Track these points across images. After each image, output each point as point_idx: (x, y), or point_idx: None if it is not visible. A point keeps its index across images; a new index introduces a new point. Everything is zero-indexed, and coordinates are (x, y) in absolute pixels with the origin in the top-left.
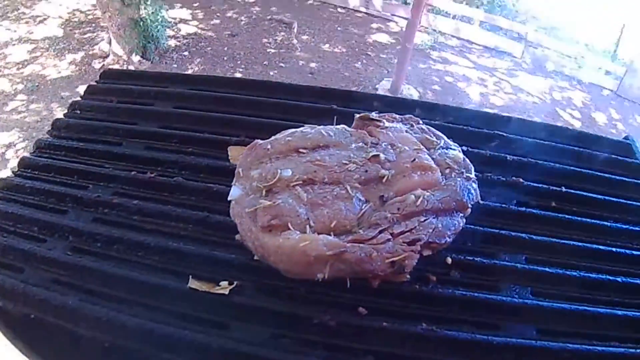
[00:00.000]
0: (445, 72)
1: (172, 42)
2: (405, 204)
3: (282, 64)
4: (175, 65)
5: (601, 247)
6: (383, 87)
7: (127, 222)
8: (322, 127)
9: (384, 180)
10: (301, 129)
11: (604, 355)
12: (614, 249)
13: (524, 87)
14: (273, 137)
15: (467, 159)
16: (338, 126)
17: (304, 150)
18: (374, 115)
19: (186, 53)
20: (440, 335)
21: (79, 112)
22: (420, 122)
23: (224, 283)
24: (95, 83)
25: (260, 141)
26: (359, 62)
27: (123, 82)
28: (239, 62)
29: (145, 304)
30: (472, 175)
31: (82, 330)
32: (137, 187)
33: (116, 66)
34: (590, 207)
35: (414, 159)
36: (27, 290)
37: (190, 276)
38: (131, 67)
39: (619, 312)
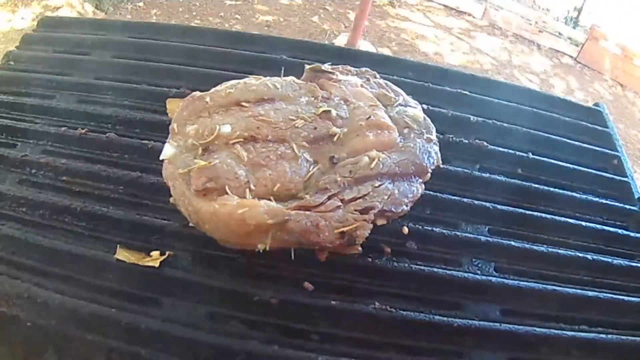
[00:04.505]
0: (403, 30)
1: None
2: (358, 167)
3: (238, 16)
4: (130, 17)
5: (570, 220)
6: (339, 43)
7: (55, 184)
8: (267, 78)
9: (334, 139)
10: (244, 80)
11: (572, 340)
12: (583, 223)
13: (483, 49)
14: (213, 89)
15: (427, 119)
16: (286, 78)
17: (247, 104)
18: (326, 66)
19: (141, 4)
20: (396, 316)
21: (12, 63)
22: (377, 75)
23: (155, 253)
24: (32, 32)
25: (198, 93)
26: (316, 16)
27: (60, 31)
28: (194, 13)
29: (69, 277)
30: (433, 137)
31: (3, 307)
32: (67, 145)
33: None
34: (558, 176)
35: (369, 117)
36: None
37: (118, 245)
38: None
39: (589, 294)
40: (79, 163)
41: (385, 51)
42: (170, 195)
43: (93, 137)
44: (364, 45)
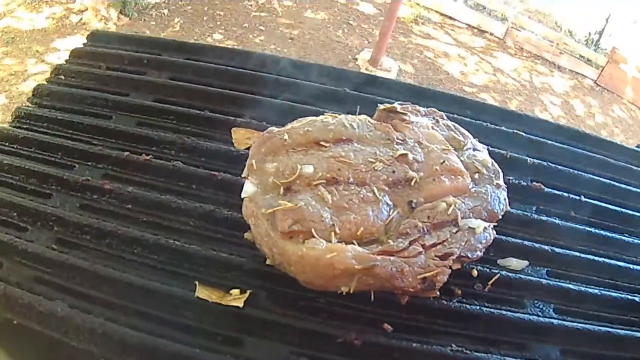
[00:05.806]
0: (426, 47)
1: None
2: (436, 212)
3: (262, 27)
4: (154, 23)
5: (620, 263)
6: (363, 58)
7: (119, 212)
8: (343, 117)
9: (412, 183)
10: (321, 117)
11: None
12: (631, 266)
13: (504, 69)
14: (289, 126)
15: (495, 164)
16: (360, 117)
17: (326, 144)
18: (398, 107)
19: (165, 11)
20: (471, 358)
21: (63, 77)
22: (444, 116)
23: (235, 292)
24: (82, 46)
25: (275, 129)
26: (340, 31)
27: (112, 46)
28: (218, 22)
29: (145, 312)
30: (502, 183)
31: (74, 341)
32: (130, 170)
33: (94, 21)
34: (607, 218)
35: (443, 161)
36: (9, 292)
37: (197, 282)
38: (109, 23)
39: (638, 334)
40: (145, 192)
41: (408, 68)
42: (244, 230)
43: (158, 165)
44: (387, 62)
